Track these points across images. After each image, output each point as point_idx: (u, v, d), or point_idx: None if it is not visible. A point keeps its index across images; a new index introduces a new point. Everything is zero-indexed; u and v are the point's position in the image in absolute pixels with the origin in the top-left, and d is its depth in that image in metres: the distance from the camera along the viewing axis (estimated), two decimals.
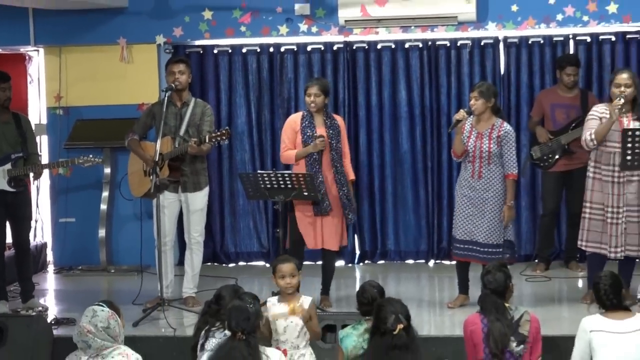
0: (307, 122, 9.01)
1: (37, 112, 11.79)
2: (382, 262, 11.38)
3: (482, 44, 11.02)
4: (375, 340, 6.18)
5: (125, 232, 11.29)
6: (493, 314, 6.53)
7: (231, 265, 11.48)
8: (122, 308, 6.46)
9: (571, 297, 9.52)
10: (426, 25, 10.85)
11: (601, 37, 10.86)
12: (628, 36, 10.80)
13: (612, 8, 10.58)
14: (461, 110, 8.86)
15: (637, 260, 8.74)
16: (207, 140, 8.82)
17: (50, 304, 9.73)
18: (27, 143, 9.26)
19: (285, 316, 6.96)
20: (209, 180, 9.47)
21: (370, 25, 10.87)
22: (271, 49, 11.25)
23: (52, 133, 11.48)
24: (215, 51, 11.34)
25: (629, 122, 8.32)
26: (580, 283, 10.00)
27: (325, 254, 9.14)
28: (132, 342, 6.45)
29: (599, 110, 8.55)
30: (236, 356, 6.02)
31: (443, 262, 11.11)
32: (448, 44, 11.07)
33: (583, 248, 8.79)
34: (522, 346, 6.49)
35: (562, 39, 10.94)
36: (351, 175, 9.11)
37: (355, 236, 11.33)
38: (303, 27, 11.00)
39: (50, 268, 11.51)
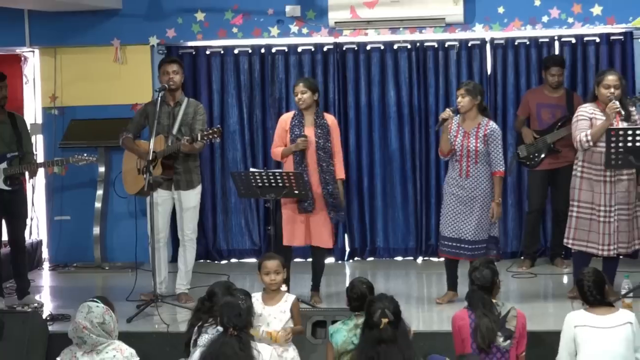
0: (296, 121, 9.01)
1: (32, 112, 11.76)
2: (371, 259, 11.38)
3: (469, 45, 11.02)
4: (364, 335, 6.19)
5: (119, 229, 11.28)
6: (480, 310, 6.54)
7: (223, 262, 11.47)
8: (116, 304, 6.48)
9: (556, 293, 9.55)
10: (414, 26, 10.87)
11: (586, 38, 10.87)
12: (612, 37, 10.80)
13: (597, 10, 10.60)
14: (447, 109, 8.84)
15: (621, 257, 8.75)
16: (199, 138, 8.82)
17: (45, 300, 9.72)
18: (23, 142, 9.24)
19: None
20: (201, 178, 9.46)
21: (359, 26, 10.88)
22: (262, 50, 11.24)
23: (48, 132, 11.46)
24: (208, 52, 11.33)
25: (617, 122, 8.32)
26: (565, 279, 10.01)
27: (314, 251, 9.14)
28: (126, 337, 6.44)
29: (588, 111, 8.54)
30: (228, 351, 6.02)
31: (431, 258, 11.12)
32: (436, 45, 11.07)
33: (570, 246, 8.78)
34: (508, 341, 6.50)
35: (547, 40, 10.95)
36: (340, 175, 9.08)
37: (345, 234, 11.32)
38: (294, 28, 11.00)
39: (46, 265, 11.49)
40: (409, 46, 11.08)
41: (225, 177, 11.30)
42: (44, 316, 8.59)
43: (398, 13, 10.67)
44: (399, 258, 11.36)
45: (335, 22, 10.79)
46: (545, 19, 10.69)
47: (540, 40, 10.95)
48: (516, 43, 10.99)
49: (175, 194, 9.20)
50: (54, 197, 11.50)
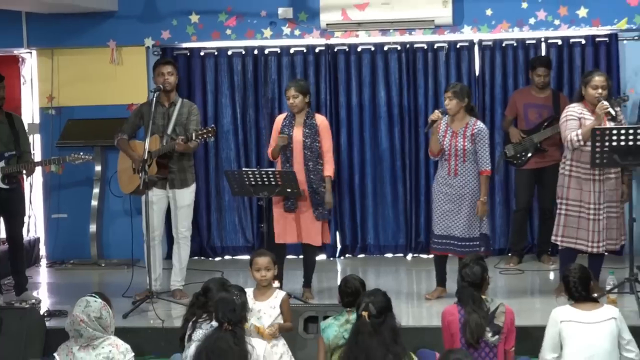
0: (287, 122, 9.03)
1: (30, 112, 11.74)
2: (362, 256, 11.37)
3: (458, 46, 11.01)
4: (352, 327, 6.20)
5: (115, 227, 11.27)
6: (470, 306, 6.53)
7: (217, 259, 11.47)
8: (112, 300, 6.46)
9: (543, 289, 9.54)
10: (404, 28, 10.88)
11: (572, 40, 10.87)
12: (597, 39, 10.80)
13: (582, 12, 10.62)
14: (436, 111, 8.86)
15: (606, 254, 8.76)
16: (193, 138, 8.82)
17: (43, 296, 9.69)
18: (20, 142, 9.21)
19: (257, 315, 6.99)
20: (196, 177, 9.46)
21: (350, 28, 10.88)
22: (255, 52, 11.23)
23: (45, 132, 11.45)
24: (202, 53, 11.31)
25: (605, 122, 8.33)
26: (551, 275, 10.02)
27: (305, 248, 9.13)
28: (121, 333, 6.42)
29: (577, 111, 8.55)
30: (223, 346, 6.03)
31: (421, 255, 11.12)
32: (425, 47, 11.06)
33: (558, 243, 8.77)
34: (497, 336, 6.49)
35: (534, 42, 10.95)
36: (327, 172, 9.02)
37: (337, 231, 11.32)
38: (286, 30, 11.00)
39: (43, 262, 11.47)
40: (399, 47, 11.08)
41: (219, 175, 11.29)
42: (41, 312, 8.59)
43: (388, 15, 10.68)
44: (389, 255, 11.36)
45: (327, 24, 10.79)
46: (532, 21, 10.70)
47: (527, 41, 10.95)
48: (504, 44, 10.99)
49: (170, 193, 9.20)
50: (51, 196, 11.49)
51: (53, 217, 11.49)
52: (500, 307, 6.60)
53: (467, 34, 10.86)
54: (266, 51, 11.22)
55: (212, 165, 11.41)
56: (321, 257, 10.63)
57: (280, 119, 9.18)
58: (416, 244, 11.19)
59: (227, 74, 11.29)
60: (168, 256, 10.05)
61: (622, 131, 8.07)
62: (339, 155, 11.11)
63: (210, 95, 11.33)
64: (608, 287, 8.41)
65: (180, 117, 9.12)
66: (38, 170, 10.37)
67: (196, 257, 11.13)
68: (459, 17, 10.74)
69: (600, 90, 8.40)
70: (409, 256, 11.24)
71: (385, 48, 11.10)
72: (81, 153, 9.31)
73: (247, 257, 10.60)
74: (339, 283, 7.06)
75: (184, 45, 11.27)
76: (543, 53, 10.87)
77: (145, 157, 8.65)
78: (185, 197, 9.26)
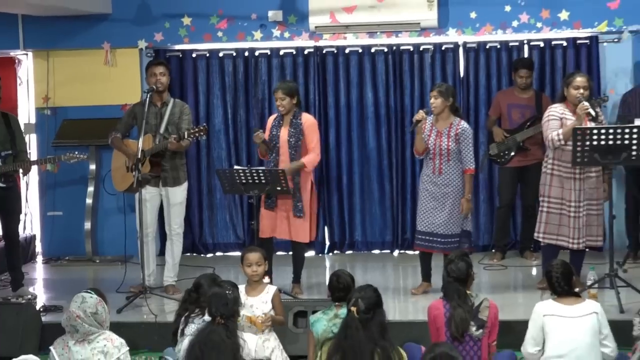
0: (276, 123, 9.05)
1: (26, 112, 11.71)
2: (350, 252, 11.38)
3: (443, 48, 11.02)
4: (342, 321, 6.20)
5: (109, 224, 11.24)
6: (455, 300, 6.54)
7: (209, 255, 11.46)
8: (107, 296, 6.45)
9: (526, 284, 9.56)
10: (391, 31, 10.87)
11: (553, 42, 10.89)
12: (578, 42, 10.82)
13: (564, 15, 10.62)
14: (420, 111, 8.85)
15: (587, 250, 8.77)
16: (185, 137, 8.82)
17: (39, 292, 9.67)
18: (16, 141, 9.18)
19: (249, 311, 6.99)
20: (188, 175, 9.45)
21: (338, 31, 10.87)
22: (246, 53, 11.22)
23: (41, 132, 11.42)
24: (194, 55, 11.30)
25: (585, 122, 8.34)
26: (534, 271, 10.03)
27: (294, 244, 9.13)
28: (116, 327, 6.42)
29: (558, 111, 8.57)
30: (215, 339, 6.04)
31: (407, 252, 11.12)
32: (411, 49, 11.07)
33: (540, 239, 8.79)
34: (481, 331, 6.50)
35: (517, 44, 10.96)
36: (305, 160, 8.91)
37: (325, 228, 11.33)
38: (276, 32, 10.98)
39: (39, 258, 11.44)
40: (386, 49, 11.07)
41: (211, 174, 11.28)
42: (37, 307, 8.57)
43: (375, 18, 10.67)
44: (376, 251, 11.36)
45: (316, 27, 10.78)
46: (515, 23, 10.70)
47: (511, 44, 10.96)
48: (487, 47, 10.99)
49: (162, 191, 9.19)
50: (46, 194, 11.46)
51: (49, 215, 11.46)
52: (485, 301, 6.61)
53: (452, 36, 10.85)
54: (256, 53, 11.21)
55: (204, 163, 11.40)
56: (310, 253, 10.63)
57: (271, 119, 9.21)
58: (402, 240, 11.19)
59: (218, 75, 11.29)
60: (161, 252, 10.04)
61: (602, 131, 8.08)
62: (328, 154, 11.13)
63: (202, 95, 11.32)
64: (589, 283, 8.42)
65: (172, 117, 9.11)
66: (34, 169, 10.32)
67: (188, 254, 11.12)
68: (444, 20, 10.73)
69: (581, 91, 8.42)
70: (396, 252, 11.24)
71: (373, 50, 11.10)
72: (76, 152, 9.28)
73: (238, 253, 10.59)
74: (327, 278, 7.06)
75: (177, 47, 11.25)
76: (526, 55, 10.88)
77: (139, 156, 8.64)
78: (178, 194, 9.25)
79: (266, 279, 7.37)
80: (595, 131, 8.07)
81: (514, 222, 11.00)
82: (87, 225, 11.21)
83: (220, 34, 11.04)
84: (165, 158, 9.06)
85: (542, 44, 10.93)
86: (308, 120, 9.06)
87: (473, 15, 10.72)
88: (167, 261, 9.38)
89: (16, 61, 11.72)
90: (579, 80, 8.48)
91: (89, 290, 6.23)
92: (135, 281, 9.09)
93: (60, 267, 11.00)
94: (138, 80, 11.02)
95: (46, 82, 11.32)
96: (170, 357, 6.84)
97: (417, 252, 9.24)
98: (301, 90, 10.67)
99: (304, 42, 11.05)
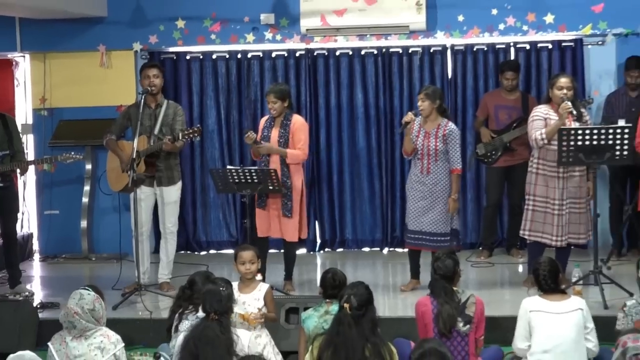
0: (267, 124, 9.05)
1: (23, 113, 11.68)
2: (340, 249, 11.38)
3: (431, 51, 11.03)
4: (333, 317, 6.20)
5: (105, 223, 11.23)
6: (442, 297, 6.56)
7: (203, 253, 11.45)
8: (103, 293, 6.43)
9: (512, 281, 9.56)
10: (380, 33, 10.87)
11: (539, 45, 10.91)
12: (563, 44, 10.84)
13: (549, 19, 10.63)
14: (409, 113, 8.90)
15: (572, 247, 8.80)
16: (180, 138, 8.82)
17: (36, 289, 9.64)
18: (14, 141, 9.16)
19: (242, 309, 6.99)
20: (182, 175, 9.45)
21: (329, 33, 10.87)
22: (239, 55, 11.22)
23: (38, 132, 11.40)
24: (188, 57, 11.30)
25: (570, 122, 8.36)
26: (520, 268, 10.04)
27: (285, 243, 9.13)
28: (111, 324, 6.41)
29: (542, 111, 8.60)
30: (209, 334, 6.04)
31: (396, 249, 11.13)
32: (400, 51, 11.07)
33: (525, 237, 8.82)
34: (468, 326, 6.52)
35: (503, 46, 10.98)
36: (288, 150, 8.88)
37: (316, 226, 11.33)
38: (268, 35, 10.98)
39: (36, 256, 11.43)
40: (376, 52, 11.09)
41: (205, 174, 11.28)
42: (34, 304, 8.56)
43: (365, 21, 10.67)
44: (367, 249, 11.37)
45: (307, 30, 10.78)
46: (501, 26, 10.71)
47: (497, 46, 10.98)
48: (475, 49, 11.01)
49: (157, 190, 9.19)
50: (43, 193, 11.44)
51: (46, 214, 11.44)
52: (471, 298, 6.62)
53: (440, 39, 10.86)
54: (249, 55, 11.21)
55: (198, 163, 11.39)
56: (301, 251, 10.64)
57: (262, 120, 9.21)
58: (392, 238, 11.20)
59: (211, 77, 11.28)
60: (156, 250, 10.04)
61: (587, 131, 8.12)
62: (319, 154, 11.14)
63: (195, 97, 11.31)
64: (574, 279, 8.44)
65: (166, 118, 9.11)
66: (31, 168, 10.32)
67: (182, 251, 11.09)
68: (432, 23, 10.74)
69: (565, 91, 8.44)
70: (385, 250, 11.25)
71: (363, 52, 11.11)
72: (72, 152, 9.26)
73: (231, 251, 10.61)
74: (318, 276, 7.07)
75: (171, 49, 11.25)
76: (512, 57, 10.90)
77: (134, 156, 8.64)
78: (172, 194, 9.24)
79: (259, 277, 7.38)
80: (580, 131, 8.11)
81: (500, 221, 11.01)
82: (83, 223, 11.20)
83: (213, 36, 11.03)
84: (160, 158, 9.06)
85: (528, 47, 10.94)
86: (298, 121, 9.05)
87: (460, 18, 10.73)
88: (162, 259, 9.38)
89: (13, 63, 11.71)
90: (563, 81, 8.51)
91: (86, 287, 6.23)
92: (130, 278, 9.08)
93: (57, 265, 10.99)
94: (133, 82, 11.01)
95: (43, 84, 11.31)
96: (165, 352, 6.84)
97: (406, 250, 9.25)
98: (293, 91, 10.68)
99: (295, 44, 11.06)
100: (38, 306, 8.54)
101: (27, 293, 9.18)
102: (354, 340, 5.92)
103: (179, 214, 9.50)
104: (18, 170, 9.23)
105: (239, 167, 8.89)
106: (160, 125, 9.06)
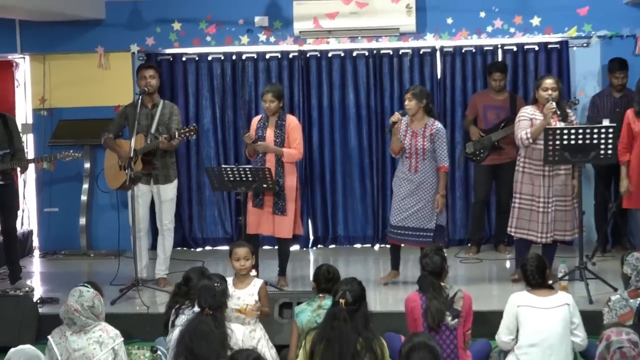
0: (261, 124, 9.04)
1: (23, 113, 11.67)
2: (333, 246, 11.38)
3: (421, 52, 11.03)
4: (327, 312, 6.20)
5: (103, 220, 11.22)
6: (430, 293, 6.57)
7: (199, 249, 11.45)
8: (101, 288, 6.43)
9: (500, 277, 9.59)
10: (371, 36, 10.89)
11: (526, 46, 10.92)
12: (549, 46, 10.85)
13: (536, 21, 10.65)
14: (396, 113, 8.94)
15: (558, 244, 8.82)
16: (177, 136, 8.82)
17: (36, 285, 9.64)
18: (14, 140, 9.15)
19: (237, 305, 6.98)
20: (178, 173, 9.45)
21: (322, 35, 10.88)
22: (234, 57, 11.21)
23: (38, 132, 11.39)
24: (184, 59, 11.29)
25: (555, 122, 8.39)
26: (507, 264, 10.05)
27: (279, 240, 9.13)
28: (109, 318, 6.41)
29: (529, 112, 8.63)
30: (204, 329, 6.04)
31: (387, 246, 11.05)
32: (391, 53, 11.08)
33: (512, 234, 8.85)
34: (456, 320, 6.52)
35: (491, 48, 10.99)
36: (284, 150, 8.90)
37: (309, 223, 11.33)
38: (262, 37, 10.98)
39: (36, 253, 11.41)
40: (367, 53, 11.09)
41: (200, 172, 11.27)
42: (34, 299, 8.55)
43: (357, 23, 10.68)
44: (358, 245, 11.38)
45: (300, 32, 10.78)
46: (489, 29, 10.73)
47: (485, 48, 10.99)
48: (463, 51, 11.01)
49: (154, 188, 9.18)
50: (43, 191, 11.43)
51: (45, 211, 11.43)
52: (459, 293, 6.63)
53: (430, 41, 10.86)
54: (243, 57, 11.20)
55: (194, 162, 11.39)
56: (295, 247, 10.63)
57: (255, 120, 9.19)
58: (383, 235, 11.17)
59: (207, 78, 11.27)
60: (153, 247, 10.03)
61: (572, 131, 8.15)
62: (312, 153, 11.14)
63: (191, 97, 11.30)
64: (560, 275, 8.46)
65: (162, 117, 9.10)
66: (31, 167, 10.30)
67: (179, 248, 11.11)
68: (422, 26, 10.74)
69: (550, 92, 8.47)
70: (376, 246, 11.25)
71: (354, 54, 11.11)
72: (71, 151, 9.26)
73: (226, 247, 10.61)
74: (311, 272, 7.06)
75: (167, 51, 11.23)
76: (500, 59, 10.91)
77: (131, 155, 8.63)
78: (168, 191, 9.24)
79: (253, 272, 7.38)
80: (565, 131, 8.14)
81: (488, 218, 11.02)
82: (82, 221, 11.19)
83: (209, 38, 11.03)
84: (157, 157, 9.06)
85: (515, 48, 10.95)
86: (292, 121, 9.07)
87: (449, 21, 10.74)
88: (159, 255, 9.39)
89: (14, 64, 11.69)
90: (548, 82, 8.54)
91: (86, 284, 6.23)
92: (128, 274, 9.06)
93: (56, 261, 10.98)
94: (130, 82, 11.00)
95: (42, 85, 11.30)
96: (162, 346, 6.84)
97: None
98: (286, 92, 10.70)
99: (288, 46, 11.05)
100: (38, 301, 8.53)
101: (27, 288, 9.17)
102: (347, 335, 5.92)
103: (176, 211, 9.51)
104: (18, 169, 9.22)
105: (233, 166, 8.90)
106: (156, 125, 9.05)
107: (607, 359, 5.55)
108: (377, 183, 11.16)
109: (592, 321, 6.80)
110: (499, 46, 10.98)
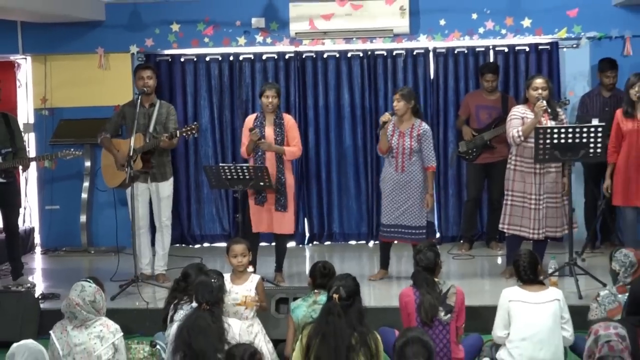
0: (258, 122, 9.02)
1: (25, 113, 11.65)
2: (328, 243, 11.38)
3: (414, 53, 11.04)
4: (322, 307, 6.20)
5: (103, 217, 11.22)
6: (424, 288, 6.57)
7: (197, 246, 11.44)
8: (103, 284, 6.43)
9: (492, 273, 9.60)
10: (366, 37, 10.89)
11: (517, 47, 10.93)
12: (540, 47, 10.86)
13: (526, 23, 10.66)
14: (386, 113, 8.99)
15: (549, 240, 8.83)
16: (178, 135, 8.84)
17: (37, 281, 9.63)
18: (16, 139, 9.15)
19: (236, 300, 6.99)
20: (177, 171, 9.46)
21: (317, 37, 10.87)
22: (231, 58, 11.21)
23: (39, 131, 11.37)
24: (182, 59, 11.28)
25: (546, 121, 8.40)
26: (499, 260, 10.06)
27: (276, 236, 9.15)
28: (109, 313, 6.40)
29: (520, 111, 8.65)
30: (202, 324, 6.03)
31: None
32: (385, 54, 11.08)
33: (504, 230, 8.87)
34: (449, 315, 6.53)
35: (483, 49, 11.00)
36: (286, 148, 8.92)
37: (305, 220, 11.34)
38: (259, 38, 10.97)
39: (38, 249, 11.40)
40: (361, 54, 11.09)
41: (198, 170, 11.26)
42: (36, 295, 8.54)
43: (351, 25, 10.68)
44: (353, 242, 11.38)
45: (296, 33, 10.78)
46: (481, 30, 10.73)
47: (477, 49, 11.00)
48: (456, 52, 11.02)
49: (151, 186, 9.19)
50: (44, 189, 11.42)
51: (47, 209, 11.42)
52: (452, 288, 6.63)
53: (423, 42, 10.87)
54: (241, 57, 11.20)
55: (192, 160, 11.39)
56: (291, 244, 10.62)
57: (250, 119, 9.15)
58: (377, 232, 11.16)
59: (205, 78, 11.27)
60: (151, 243, 10.02)
61: (562, 130, 8.17)
62: (307, 152, 11.13)
63: (190, 97, 11.30)
64: (550, 270, 8.47)
65: (160, 117, 9.11)
66: (33, 165, 10.35)
67: (177, 245, 11.11)
68: (415, 27, 10.74)
69: (540, 91, 8.50)
70: (371, 243, 11.25)
71: (349, 55, 11.11)
72: (72, 149, 9.25)
73: (224, 244, 10.58)
74: (307, 268, 7.07)
75: (166, 52, 11.23)
76: (491, 59, 10.92)
77: (131, 154, 8.63)
78: (166, 188, 9.27)
79: (250, 268, 7.38)
80: (555, 130, 8.15)
81: (480, 215, 11.02)
82: (83, 218, 11.19)
83: (206, 39, 11.02)
84: (154, 155, 9.06)
85: (506, 49, 10.97)
86: (290, 120, 9.09)
87: (442, 22, 10.74)
88: (158, 251, 9.39)
89: (16, 65, 11.67)
90: (538, 82, 8.56)
91: (87, 279, 6.23)
92: (128, 270, 9.05)
93: (57, 258, 10.97)
94: (130, 82, 10.98)
95: (44, 85, 11.29)
96: (161, 341, 6.84)
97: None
98: (282, 92, 10.68)
99: (285, 47, 11.05)
100: (39, 297, 8.53)
101: (29, 284, 9.17)
102: (342, 329, 5.92)
103: (174, 208, 9.53)
104: (20, 167, 9.23)
105: (231, 164, 8.89)
106: (154, 124, 9.06)
107: (596, 353, 5.58)
108: (372, 181, 11.15)
109: (582, 316, 6.82)
110: (491, 47, 10.99)
